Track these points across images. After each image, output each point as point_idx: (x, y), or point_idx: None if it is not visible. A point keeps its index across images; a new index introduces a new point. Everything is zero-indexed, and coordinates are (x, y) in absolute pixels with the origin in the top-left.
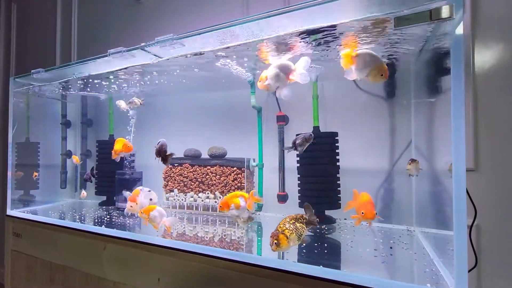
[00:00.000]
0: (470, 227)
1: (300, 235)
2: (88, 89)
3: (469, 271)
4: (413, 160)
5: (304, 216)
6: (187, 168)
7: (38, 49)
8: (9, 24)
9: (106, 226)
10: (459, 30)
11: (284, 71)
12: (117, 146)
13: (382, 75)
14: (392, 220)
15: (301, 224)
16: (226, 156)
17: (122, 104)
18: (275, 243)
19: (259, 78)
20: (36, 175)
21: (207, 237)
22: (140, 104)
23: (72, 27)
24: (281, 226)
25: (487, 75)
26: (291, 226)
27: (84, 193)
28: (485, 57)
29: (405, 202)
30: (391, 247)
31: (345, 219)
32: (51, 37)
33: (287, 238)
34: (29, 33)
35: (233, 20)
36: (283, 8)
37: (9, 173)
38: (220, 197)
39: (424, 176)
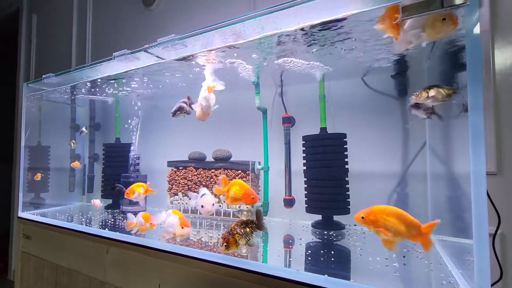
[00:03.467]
0: (494, 236)
1: (248, 240)
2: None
3: (493, 284)
4: (431, 87)
5: (254, 221)
6: (191, 171)
7: (55, 56)
8: (30, 33)
9: (109, 230)
10: (476, 28)
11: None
12: (236, 193)
13: (444, 19)
14: None
15: (250, 229)
16: (231, 159)
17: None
18: (225, 245)
19: (196, 114)
20: (38, 177)
21: (211, 242)
22: (86, 131)
23: (87, 35)
24: (232, 230)
25: (509, 72)
26: (242, 231)
27: (96, 202)
28: (506, 53)
29: (420, 207)
30: (404, 256)
31: (354, 225)
32: (67, 44)
33: (236, 242)
34: (47, 41)
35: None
36: (288, 2)
37: (21, 176)
38: (224, 202)
39: (441, 180)
